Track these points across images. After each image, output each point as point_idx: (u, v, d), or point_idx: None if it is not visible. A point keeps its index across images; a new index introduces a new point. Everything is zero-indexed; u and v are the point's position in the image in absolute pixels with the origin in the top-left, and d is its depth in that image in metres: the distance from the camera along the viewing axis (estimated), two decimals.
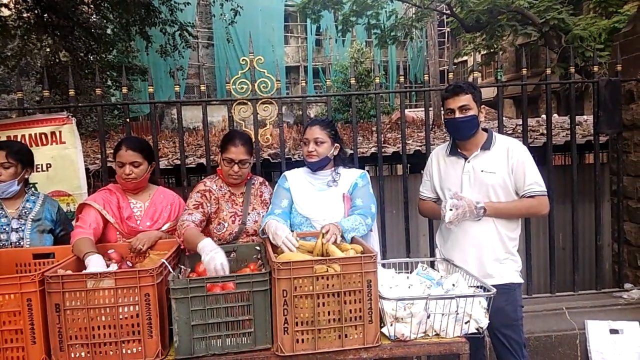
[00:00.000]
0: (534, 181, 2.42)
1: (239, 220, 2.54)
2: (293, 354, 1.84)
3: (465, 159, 2.50)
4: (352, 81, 3.48)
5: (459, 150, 2.53)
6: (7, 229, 2.40)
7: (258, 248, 2.35)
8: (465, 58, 18.02)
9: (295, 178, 2.60)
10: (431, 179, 2.65)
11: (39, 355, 1.79)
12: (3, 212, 2.43)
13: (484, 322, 2.00)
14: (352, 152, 3.20)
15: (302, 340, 1.84)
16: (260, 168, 3.32)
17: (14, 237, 2.40)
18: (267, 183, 2.75)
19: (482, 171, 2.44)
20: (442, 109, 2.60)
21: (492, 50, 10.45)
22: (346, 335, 1.86)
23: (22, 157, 2.48)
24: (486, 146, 2.47)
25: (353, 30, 12.32)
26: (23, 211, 2.48)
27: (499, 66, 3.57)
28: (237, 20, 9.80)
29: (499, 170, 2.43)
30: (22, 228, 2.44)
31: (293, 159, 4.63)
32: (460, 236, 2.48)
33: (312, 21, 11.32)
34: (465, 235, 2.46)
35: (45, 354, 1.80)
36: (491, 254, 2.45)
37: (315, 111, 20.05)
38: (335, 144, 2.57)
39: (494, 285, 2.17)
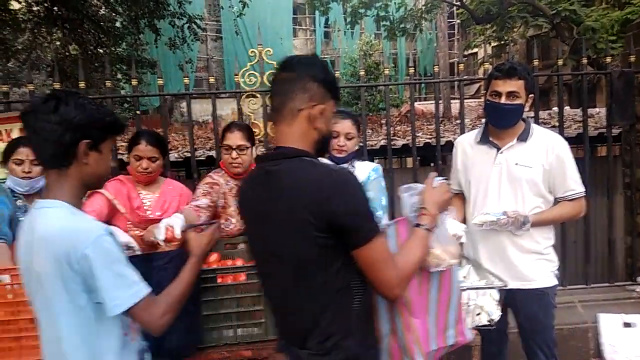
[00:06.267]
0: (576, 182, 2.24)
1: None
2: None
3: (498, 149, 2.29)
4: (362, 73, 3.47)
5: (490, 139, 2.32)
6: None
7: None
8: (475, 50, 17.85)
9: None
10: (455, 170, 2.46)
11: None
12: (27, 209, 2.43)
13: (496, 314, 2.00)
14: (361, 144, 3.19)
15: None
16: None
17: None
18: None
19: (516, 164, 2.23)
20: (485, 89, 2.33)
21: (502, 42, 10.34)
22: None
23: None
24: (523, 137, 2.26)
25: (362, 23, 12.25)
26: None
27: (509, 58, 3.53)
28: (245, 13, 9.79)
29: (536, 165, 2.22)
30: None
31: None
32: (488, 234, 2.27)
33: (320, 13, 11.26)
34: (492, 233, 2.26)
35: None
36: (523, 256, 2.26)
37: None
38: (359, 140, 2.54)
39: (526, 290, 2.13)
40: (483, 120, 2.46)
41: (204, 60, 20.10)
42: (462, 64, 3.56)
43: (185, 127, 11.04)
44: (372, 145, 4.76)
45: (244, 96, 3.21)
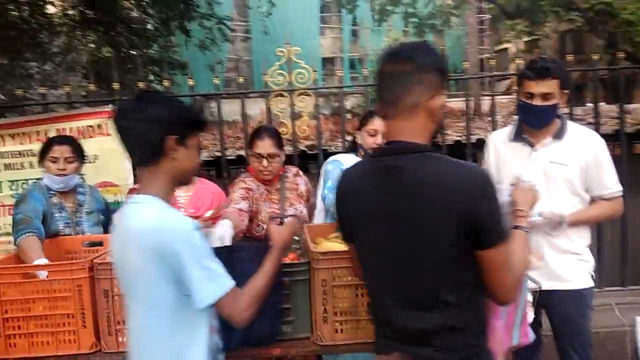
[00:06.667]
0: (613, 181, 2.17)
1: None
2: (332, 343, 1.84)
3: (532, 146, 2.22)
4: None
5: (524, 136, 2.24)
6: (70, 223, 2.51)
7: (297, 238, 2.36)
8: (506, 45, 17.49)
9: (351, 164, 2.51)
10: (487, 167, 2.36)
11: (89, 339, 1.87)
12: (62, 207, 2.53)
13: (529, 316, 1.95)
14: None
15: (342, 330, 1.85)
16: (297, 160, 3.34)
17: (77, 231, 2.51)
18: (301, 173, 2.75)
19: (550, 162, 2.16)
20: (517, 88, 2.25)
21: (534, 37, 10.11)
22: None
23: (81, 152, 2.58)
24: (558, 135, 2.18)
25: (389, 20, 12.17)
26: (78, 204, 2.58)
27: (542, 53, 3.44)
28: (273, 13, 9.84)
29: (572, 163, 2.14)
30: (80, 222, 2.54)
31: (330, 150, 4.63)
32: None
33: (348, 11, 11.25)
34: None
35: (95, 338, 1.88)
36: (558, 256, 2.19)
37: (351, 102, 19.93)
38: None
39: (561, 291, 2.07)
40: (515, 117, 2.41)
41: (233, 60, 20.31)
42: (494, 60, 3.50)
43: (215, 127, 11.15)
44: None
45: (272, 96, 3.24)
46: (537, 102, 2.11)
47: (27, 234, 2.27)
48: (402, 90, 1.28)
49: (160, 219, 1.34)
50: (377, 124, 2.40)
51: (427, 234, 1.26)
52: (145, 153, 1.40)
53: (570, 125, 2.25)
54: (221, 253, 1.49)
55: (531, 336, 1.68)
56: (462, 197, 1.21)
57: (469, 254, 1.26)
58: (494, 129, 3.14)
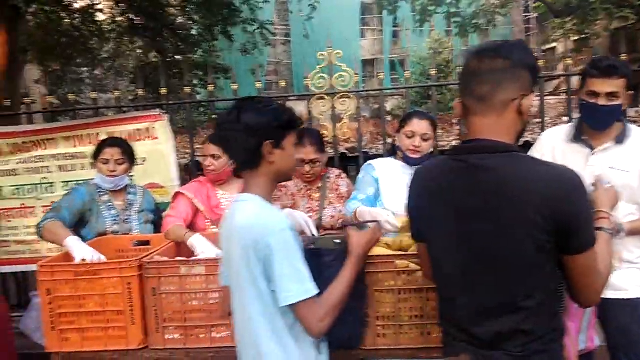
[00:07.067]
0: None
1: (316, 216, 2.57)
2: (374, 347, 1.84)
3: (591, 149, 2.11)
4: (433, 72, 3.40)
5: (583, 138, 2.13)
6: (117, 220, 2.61)
7: (338, 241, 2.36)
8: (554, 45, 16.92)
9: (385, 169, 2.47)
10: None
11: (138, 335, 1.93)
12: (112, 205, 2.63)
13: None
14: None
15: (384, 335, 1.83)
16: (337, 162, 3.34)
17: (124, 228, 2.60)
18: (343, 175, 2.76)
19: (611, 168, 2.04)
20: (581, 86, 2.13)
21: (584, 36, 9.74)
22: (429, 333, 1.82)
23: (131, 154, 2.68)
24: (620, 139, 2.07)
25: (431, 20, 12.02)
26: (128, 203, 2.68)
27: (593, 53, 3.31)
28: (314, 16, 9.90)
29: (633, 169, 2.04)
30: (130, 219, 2.64)
31: (370, 153, 4.62)
32: None
33: (388, 12, 11.17)
34: None
35: (143, 334, 1.94)
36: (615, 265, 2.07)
37: (391, 104, 19.81)
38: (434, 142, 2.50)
39: (617, 300, 1.98)
40: (564, 118, 2.32)
41: (273, 64, 20.59)
42: (541, 60, 3.39)
43: None
44: (443, 146, 4.65)
45: (313, 98, 3.26)
46: (601, 101, 2.01)
47: (51, 220, 2.41)
48: (495, 86, 1.25)
49: (258, 216, 1.42)
50: (415, 125, 2.37)
51: (509, 236, 1.23)
52: (245, 159, 1.48)
53: (633, 129, 2.13)
54: (310, 255, 1.50)
55: (596, 342, 1.64)
56: (551, 199, 1.17)
57: (551, 258, 1.23)
58: (542, 131, 3.04)
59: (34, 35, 8.46)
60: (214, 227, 2.57)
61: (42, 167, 3.32)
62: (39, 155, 3.31)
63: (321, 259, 1.66)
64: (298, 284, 1.37)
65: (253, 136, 1.43)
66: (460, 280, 1.33)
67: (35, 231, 2.45)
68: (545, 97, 3.50)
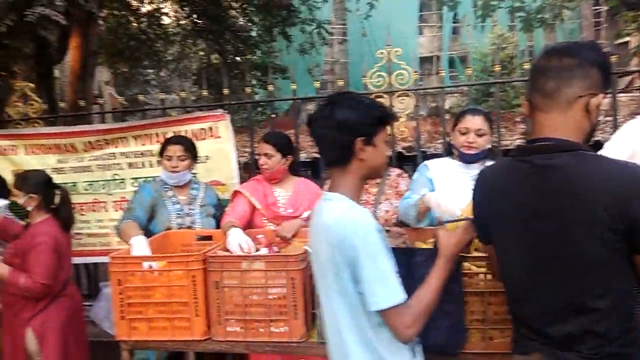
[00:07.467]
0: None
1: (371, 208, 2.56)
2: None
3: None
4: (497, 68, 3.29)
5: None
6: (181, 213, 2.73)
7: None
8: (626, 39, 15.90)
9: (440, 169, 2.44)
10: (633, 154, 2.03)
11: (201, 327, 2.01)
12: (176, 199, 2.76)
13: None
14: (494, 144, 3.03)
15: None
16: (394, 161, 3.31)
17: (187, 221, 2.72)
18: (405, 175, 2.73)
19: None
20: None
21: None
22: (490, 338, 1.77)
23: (193, 151, 2.79)
24: None
25: (494, 15, 11.62)
26: (191, 198, 2.79)
27: None
28: (371, 14, 9.84)
29: None
30: (193, 213, 2.75)
31: (428, 152, 4.54)
32: None
33: (449, 8, 10.92)
34: None
35: (206, 326, 2.01)
36: None
37: (450, 102, 19.36)
38: (491, 138, 2.42)
39: None
40: (638, 117, 2.17)
41: (329, 63, 20.65)
42: (613, 55, 3.20)
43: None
44: (506, 145, 4.50)
45: (372, 97, 3.24)
46: None
47: (127, 221, 2.56)
48: (563, 82, 1.25)
49: (345, 215, 1.39)
50: (468, 121, 2.32)
51: (575, 236, 1.20)
52: (335, 156, 1.46)
53: None
54: (401, 255, 1.49)
55: None
56: (622, 198, 1.15)
57: (622, 259, 1.19)
58: (614, 130, 2.88)
59: (104, 39, 8.95)
60: (271, 224, 2.63)
61: (114, 164, 3.50)
62: (111, 153, 3.49)
63: (413, 258, 1.64)
64: (386, 288, 1.33)
65: (345, 133, 1.41)
66: (526, 281, 1.32)
67: (105, 225, 2.61)
68: (617, 94, 3.30)
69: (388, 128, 1.49)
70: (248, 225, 2.58)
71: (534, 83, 1.31)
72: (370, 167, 1.46)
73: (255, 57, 10.66)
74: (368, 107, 1.44)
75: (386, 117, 1.48)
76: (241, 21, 9.89)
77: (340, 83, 3.62)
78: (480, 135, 2.31)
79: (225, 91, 3.48)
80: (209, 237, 2.47)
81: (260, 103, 5.57)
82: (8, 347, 2.48)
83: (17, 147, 3.60)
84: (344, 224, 1.37)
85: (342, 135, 1.41)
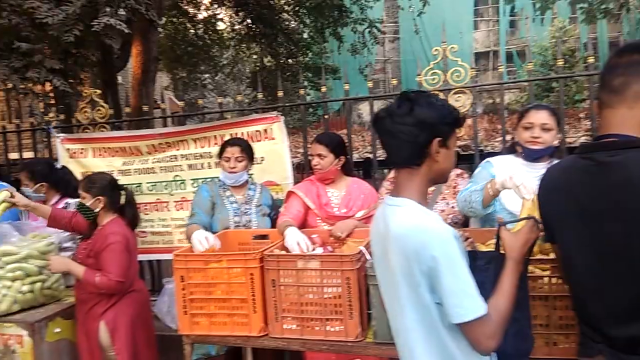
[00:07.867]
0: None
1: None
2: None
3: None
4: (560, 62, 3.15)
5: None
6: (238, 212, 2.81)
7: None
8: None
9: (504, 166, 2.30)
10: None
11: (259, 323, 2.06)
12: (233, 199, 2.84)
13: None
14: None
15: None
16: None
17: (244, 219, 2.80)
18: (465, 175, 2.67)
19: None
20: None
21: None
22: (555, 344, 1.72)
23: (250, 152, 2.87)
24: None
25: (554, 7, 11.13)
26: (248, 197, 2.87)
27: None
28: (425, 11, 9.68)
29: None
30: (249, 212, 2.83)
31: (485, 151, 4.42)
32: None
33: (505, 2, 10.56)
34: None
35: (264, 323, 2.06)
36: None
37: (508, 98, 18.69)
38: (558, 134, 2.32)
39: None
40: None
41: (380, 62, 20.50)
42: None
43: (363, 129, 11.45)
44: (570, 143, 4.30)
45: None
46: None
47: (191, 224, 2.65)
48: (629, 77, 1.23)
49: (419, 224, 1.32)
50: (532, 116, 2.23)
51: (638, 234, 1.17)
52: (408, 155, 1.38)
53: None
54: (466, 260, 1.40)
55: None
56: None
57: None
58: None
59: (163, 46, 9.33)
60: (324, 224, 2.65)
61: (175, 165, 3.64)
62: (172, 155, 3.63)
63: (475, 262, 1.61)
64: (469, 300, 1.26)
65: (425, 131, 1.33)
66: (591, 281, 1.28)
67: (168, 223, 2.69)
68: None
69: (457, 133, 1.43)
70: (302, 225, 2.62)
71: (603, 80, 1.29)
72: (439, 170, 1.39)
73: (307, 58, 10.76)
74: (446, 108, 1.38)
75: (460, 120, 1.41)
76: (293, 24, 10.02)
77: (394, 82, 3.59)
78: (545, 130, 2.22)
79: (280, 93, 3.55)
80: (265, 236, 2.53)
81: (312, 104, 5.61)
82: (83, 343, 2.62)
83: (86, 150, 3.81)
84: (419, 233, 1.29)
85: (421, 133, 1.33)
